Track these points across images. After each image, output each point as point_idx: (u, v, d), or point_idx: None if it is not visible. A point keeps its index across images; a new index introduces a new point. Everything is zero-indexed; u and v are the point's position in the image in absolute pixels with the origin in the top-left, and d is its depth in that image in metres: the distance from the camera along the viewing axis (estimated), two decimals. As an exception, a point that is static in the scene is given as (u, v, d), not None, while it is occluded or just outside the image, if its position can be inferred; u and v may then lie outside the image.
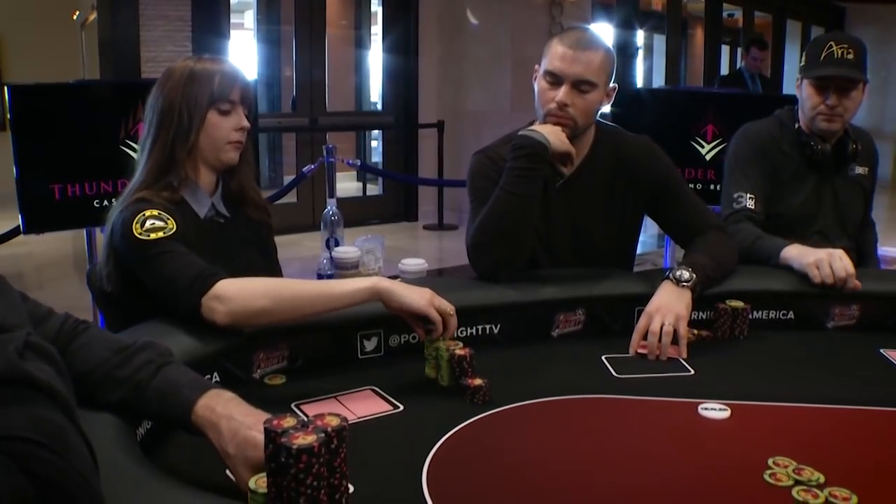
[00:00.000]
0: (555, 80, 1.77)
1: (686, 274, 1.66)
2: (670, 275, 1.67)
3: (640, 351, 1.60)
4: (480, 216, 1.74)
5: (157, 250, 1.44)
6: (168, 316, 1.42)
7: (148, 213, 1.49)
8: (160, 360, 1.10)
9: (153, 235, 1.45)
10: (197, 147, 1.61)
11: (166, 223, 1.48)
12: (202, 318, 1.37)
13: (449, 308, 1.42)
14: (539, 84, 1.82)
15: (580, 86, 1.76)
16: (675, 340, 1.58)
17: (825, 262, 1.77)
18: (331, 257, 2.09)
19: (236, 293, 1.36)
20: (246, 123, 1.65)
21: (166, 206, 1.53)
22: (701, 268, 1.70)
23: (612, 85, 1.84)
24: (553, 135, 1.73)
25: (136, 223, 1.47)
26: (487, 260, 1.74)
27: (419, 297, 1.39)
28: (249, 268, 1.57)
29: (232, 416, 1.01)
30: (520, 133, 1.75)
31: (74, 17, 6.60)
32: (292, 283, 1.42)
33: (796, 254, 1.85)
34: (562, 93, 1.76)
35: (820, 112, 2.13)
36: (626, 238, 1.99)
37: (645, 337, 1.60)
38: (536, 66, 1.84)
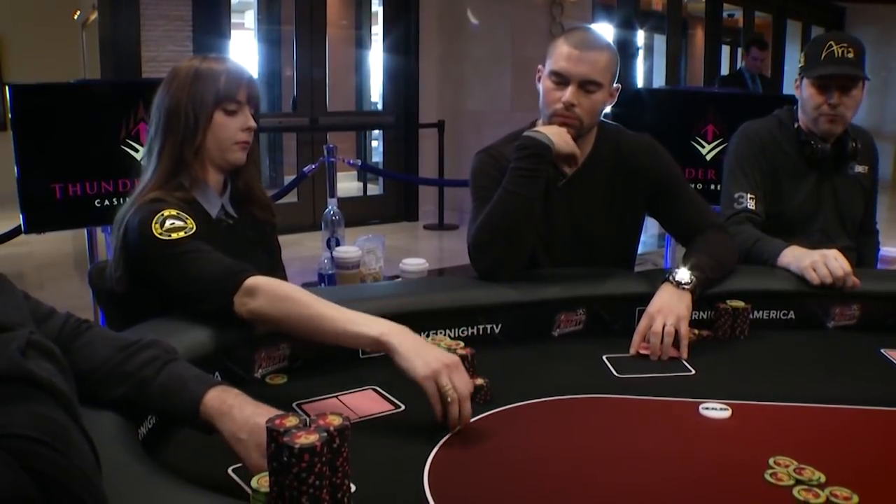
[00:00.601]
0: (561, 80, 1.77)
1: (686, 275, 1.66)
2: (670, 276, 1.67)
3: (641, 352, 1.60)
4: (482, 215, 1.74)
5: (180, 250, 1.42)
6: (169, 315, 1.41)
7: (166, 212, 1.47)
8: (165, 357, 1.11)
9: (175, 235, 1.43)
10: (204, 147, 1.60)
11: (186, 222, 1.46)
12: (234, 314, 1.35)
13: (451, 392, 1.19)
14: (544, 84, 1.82)
15: (586, 86, 1.76)
16: (675, 341, 1.58)
17: (820, 263, 1.78)
18: (332, 257, 2.10)
19: (264, 292, 1.34)
20: (252, 123, 1.64)
21: (181, 206, 1.52)
22: (701, 268, 1.70)
23: (615, 85, 1.84)
24: (558, 136, 1.73)
25: (156, 223, 1.45)
26: (488, 259, 1.74)
27: (422, 366, 1.20)
28: (256, 268, 1.56)
29: (243, 406, 1.04)
30: (524, 133, 1.75)
31: (75, 17, 6.61)
32: (312, 306, 1.31)
33: (792, 258, 1.86)
34: (568, 93, 1.76)
35: (823, 113, 2.12)
36: (627, 237, 1.99)
37: (646, 338, 1.60)
38: (540, 67, 1.84)
